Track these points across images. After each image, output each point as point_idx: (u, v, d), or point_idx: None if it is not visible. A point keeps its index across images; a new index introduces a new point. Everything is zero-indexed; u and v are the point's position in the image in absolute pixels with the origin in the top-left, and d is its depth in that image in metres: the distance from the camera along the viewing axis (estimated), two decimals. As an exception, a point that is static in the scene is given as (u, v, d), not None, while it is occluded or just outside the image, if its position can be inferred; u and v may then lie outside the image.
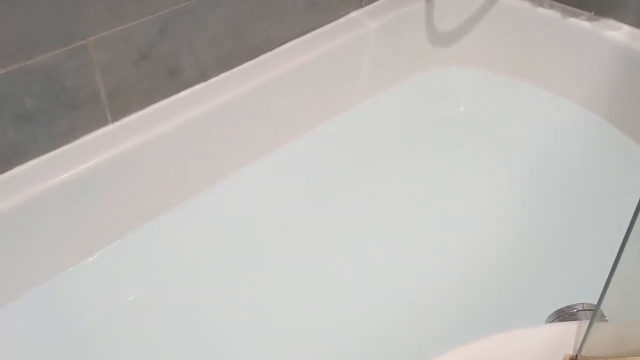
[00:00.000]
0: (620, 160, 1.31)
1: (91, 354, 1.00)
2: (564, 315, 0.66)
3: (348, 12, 1.35)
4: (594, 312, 0.54)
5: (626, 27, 1.29)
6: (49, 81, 0.95)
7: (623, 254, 0.51)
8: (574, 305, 0.67)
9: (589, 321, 0.56)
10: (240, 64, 1.20)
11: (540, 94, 1.43)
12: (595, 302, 0.55)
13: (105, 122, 1.05)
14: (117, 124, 1.06)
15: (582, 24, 1.32)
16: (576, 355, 0.56)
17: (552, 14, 1.35)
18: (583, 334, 0.56)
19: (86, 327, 1.03)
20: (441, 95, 1.52)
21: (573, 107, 1.39)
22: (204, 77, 1.15)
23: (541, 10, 1.38)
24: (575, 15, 1.34)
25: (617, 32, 1.29)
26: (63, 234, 1.03)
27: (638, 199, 0.48)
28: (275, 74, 1.21)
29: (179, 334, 1.03)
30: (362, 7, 1.38)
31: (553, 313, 0.68)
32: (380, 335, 1.03)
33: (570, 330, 0.60)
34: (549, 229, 1.20)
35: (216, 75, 1.16)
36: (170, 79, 1.10)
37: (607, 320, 0.59)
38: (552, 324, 0.65)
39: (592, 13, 1.33)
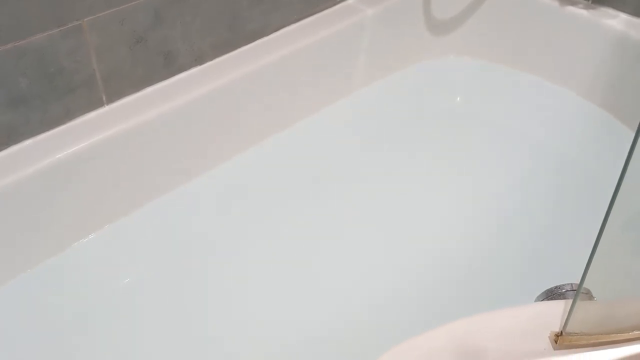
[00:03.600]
0: (617, 149, 1.31)
1: (84, 337, 1.01)
2: (552, 295, 0.67)
3: (345, -1, 1.35)
4: (578, 289, 0.54)
5: (623, 16, 1.29)
6: (43, 62, 0.95)
7: (604, 233, 0.51)
8: (563, 285, 0.67)
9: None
10: (235, 48, 1.20)
11: (538, 83, 1.43)
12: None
13: (100, 104, 1.05)
14: (112, 105, 1.06)
15: (579, 12, 1.32)
16: (561, 332, 0.56)
17: (549, 3, 1.35)
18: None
19: (79, 310, 1.03)
20: (438, 85, 1.52)
21: (570, 96, 1.39)
22: (199, 61, 1.15)
23: (539, -2, 1.38)
24: (573, 4, 1.33)
25: (614, 20, 1.29)
26: (57, 215, 1.03)
27: (618, 178, 0.48)
28: (270, 59, 1.21)
29: (171, 318, 1.04)
30: (360, -7, 1.38)
31: (542, 293, 0.68)
32: (373, 317, 1.04)
33: (557, 309, 0.60)
34: (544, 214, 1.21)
35: (211, 60, 1.16)
36: (165, 62, 1.10)
37: (595, 300, 0.59)
38: (539, 302, 0.65)
39: (590, 1, 1.33)
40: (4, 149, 0.97)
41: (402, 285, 1.09)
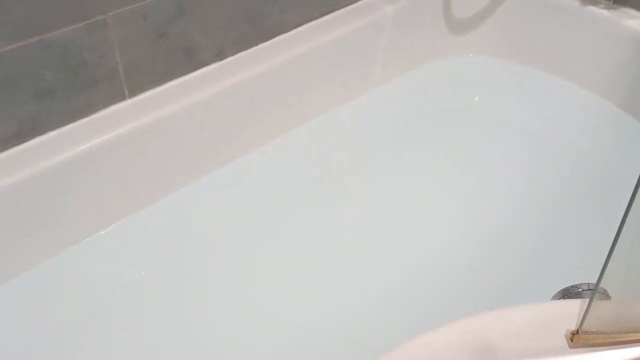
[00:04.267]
0: (636, 149, 1.30)
1: (100, 328, 1.02)
2: (569, 294, 0.67)
3: (366, -4, 1.36)
4: (595, 288, 0.55)
5: (645, 17, 1.28)
6: (68, 55, 0.96)
7: (622, 232, 0.51)
8: (579, 284, 0.67)
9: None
10: (255, 44, 1.21)
11: (557, 84, 1.43)
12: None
13: (122, 98, 1.06)
14: (134, 99, 1.07)
15: (600, 12, 1.31)
16: (577, 330, 0.56)
17: (570, 2, 1.34)
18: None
19: (96, 301, 1.05)
20: (456, 84, 1.51)
21: (590, 96, 1.38)
22: (219, 56, 1.16)
23: (560, -3, 1.37)
24: (594, 4, 1.32)
25: (635, 21, 1.28)
26: (78, 206, 1.05)
27: (638, 178, 0.48)
28: (290, 55, 1.22)
29: (188, 311, 1.05)
30: (380, -9, 1.38)
31: (558, 292, 0.68)
32: (388, 311, 1.04)
33: (573, 307, 0.61)
34: (561, 213, 1.21)
35: (232, 55, 1.18)
36: (186, 57, 1.11)
37: (612, 299, 0.59)
38: (555, 301, 0.65)
39: (611, 1, 1.32)
40: (28, 140, 0.98)
41: (412, 279, 1.09)
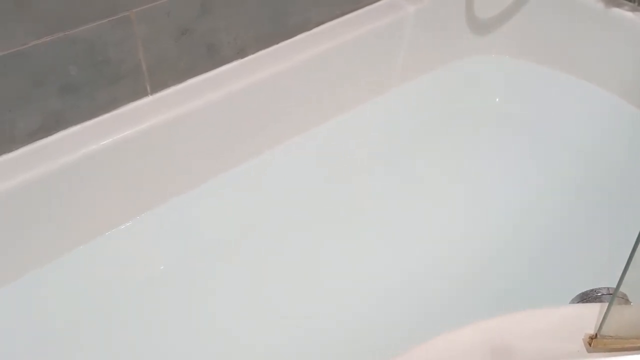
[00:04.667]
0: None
1: (118, 321, 1.03)
2: (588, 298, 0.67)
3: (387, -5, 1.36)
4: (614, 292, 0.54)
5: (671, 19, 1.27)
6: (92, 51, 0.98)
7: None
8: (599, 289, 0.67)
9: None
10: (277, 42, 1.21)
11: (580, 86, 1.41)
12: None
13: (144, 94, 1.07)
14: (156, 95, 1.08)
15: (625, 14, 1.30)
16: (596, 334, 0.56)
17: (594, 4, 1.33)
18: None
19: (114, 295, 1.06)
20: (477, 84, 1.51)
21: (613, 99, 1.37)
22: (241, 54, 1.17)
23: (584, -1, 1.36)
24: (618, 5, 1.31)
25: (661, 23, 1.26)
26: (99, 199, 1.06)
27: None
28: (311, 54, 1.22)
29: (194, 308, 1.05)
30: (402, -10, 1.38)
31: (577, 296, 0.68)
32: (405, 311, 1.04)
33: (592, 311, 0.60)
34: (580, 215, 1.20)
35: (253, 53, 1.18)
36: (209, 54, 1.12)
37: (631, 304, 0.59)
38: (574, 304, 0.65)
39: (636, 3, 1.30)
40: (52, 134, 1.00)
41: (433, 279, 1.09)
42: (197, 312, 1.05)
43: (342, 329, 1.02)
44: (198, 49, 1.10)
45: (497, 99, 1.49)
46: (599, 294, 0.66)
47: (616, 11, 1.31)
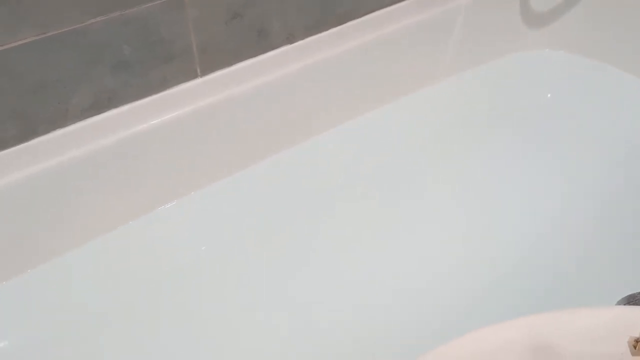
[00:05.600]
0: None
1: (157, 301, 1.05)
2: (634, 300, 0.65)
3: (440, -15, 1.33)
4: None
5: None
6: (146, 31, 0.99)
7: None
8: (647, 292, 0.65)
9: (660, 306, 0.54)
10: (326, 29, 1.21)
11: (637, 84, 1.37)
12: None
13: (194, 76, 1.09)
14: (206, 78, 1.09)
15: (689, 11, 1.25)
16: (642, 338, 0.55)
17: (656, -1, 1.28)
18: (653, 318, 0.55)
19: (154, 275, 1.07)
20: (529, 79, 1.47)
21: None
22: (290, 39, 1.17)
23: (646, -6, 1.31)
24: (683, 2, 1.26)
25: None
26: (145, 178, 1.08)
27: None
28: (359, 42, 1.21)
29: (244, 289, 1.07)
30: (456, -20, 1.35)
31: (623, 298, 0.66)
32: (434, 311, 1.03)
33: (638, 315, 0.58)
34: (629, 216, 1.16)
35: (302, 39, 1.18)
36: (258, 39, 1.13)
37: (681, 310, 0.57)
38: (620, 306, 0.63)
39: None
40: (104, 111, 1.02)
41: (477, 276, 1.08)
42: (231, 300, 1.06)
43: (372, 325, 1.02)
44: (248, 33, 1.11)
45: (549, 95, 1.45)
46: (647, 298, 0.64)
47: (680, 7, 1.26)
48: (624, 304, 0.65)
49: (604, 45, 1.39)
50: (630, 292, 0.66)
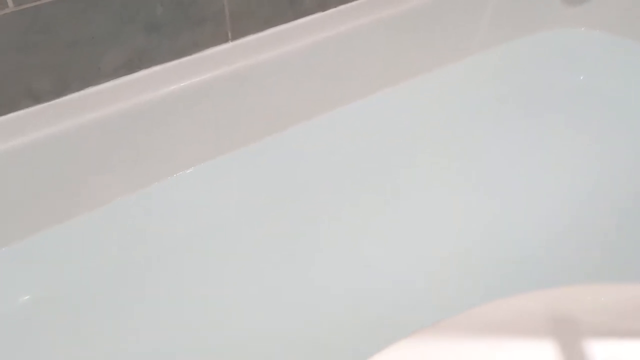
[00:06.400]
0: None
1: (172, 267, 1.05)
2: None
3: (476, -43, 1.31)
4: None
5: None
6: (179, -7, 1.00)
7: None
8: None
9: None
10: (360, -2, 1.20)
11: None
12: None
13: (225, 40, 1.09)
14: (237, 42, 1.09)
15: None
16: (668, 315, 0.54)
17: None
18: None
19: (169, 242, 1.08)
20: (561, 59, 1.44)
21: None
22: (323, 6, 1.16)
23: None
24: None
25: None
26: (172, 141, 1.09)
27: None
28: (392, 12, 1.20)
29: (264, 256, 1.06)
30: (492, -47, 1.33)
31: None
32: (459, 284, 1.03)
33: (665, 292, 0.58)
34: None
35: (335, 6, 1.17)
36: (291, 4, 1.12)
37: None
38: (646, 284, 0.62)
39: None
40: (135, 71, 1.03)
41: (506, 255, 1.07)
42: (238, 268, 1.06)
43: (397, 299, 1.02)
44: (281, -1, 1.11)
45: (582, 77, 1.42)
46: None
47: None
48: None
49: (642, 26, 1.36)
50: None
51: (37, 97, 0.95)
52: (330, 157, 1.22)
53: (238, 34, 1.10)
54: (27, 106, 0.95)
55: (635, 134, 1.28)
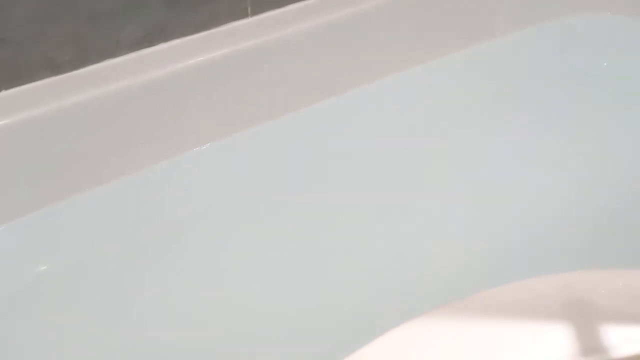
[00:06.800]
0: None
1: (179, 246, 1.05)
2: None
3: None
4: None
5: None
6: (200, -34, 0.99)
7: None
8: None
9: None
10: (381, -24, 1.18)
11: None
12: None
13: (245, 15, 1.08)
14: (255, 18, 1.09)
15: None
16: (686, 301, 0.53)
17: None
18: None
19: (177, 219, 1.08)
20: (584, 45, 1.40)
21: None
22: (344, -17, 1.15)
23: None
24: None
25: None
26: (187, 117, 1.09)
27: None
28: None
29: (272, 240, 1.06)
30: None
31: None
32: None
33: (684, 279, 0.57)
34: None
35: (356, -17, 1.16)
36: (311, -19, 1.11)
37: None
38: (665, 270, 0.62)
39: None
40: (155, 44, 1.03)
41: (514, 237, 1.07)
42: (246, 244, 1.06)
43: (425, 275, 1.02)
44: (301, -24, 1.10)
45: (605, 64, 1.39)
46: (693, 266, 0.63)
47: None
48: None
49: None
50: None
51: (56, 68, 0.96)
52: (343, 139, 1.21)
53: (258, 9, 1.09)
54: (47, 76, 0.96)
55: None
